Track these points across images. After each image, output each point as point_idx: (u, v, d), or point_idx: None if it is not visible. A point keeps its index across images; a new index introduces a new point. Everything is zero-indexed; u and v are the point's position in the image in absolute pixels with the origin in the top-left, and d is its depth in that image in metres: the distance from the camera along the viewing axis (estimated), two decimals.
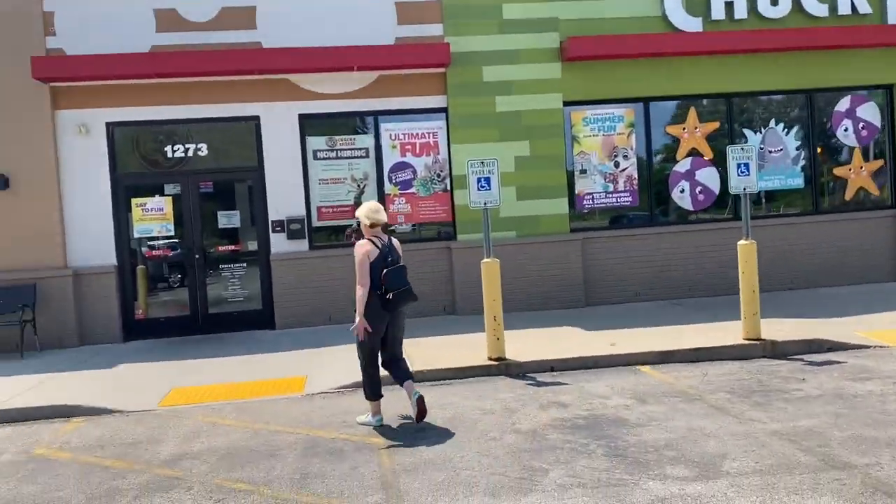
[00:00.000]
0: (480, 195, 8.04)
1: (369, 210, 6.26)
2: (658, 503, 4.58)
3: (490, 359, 8.02)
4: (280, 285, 11.10)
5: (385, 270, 6.09)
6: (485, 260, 8.06)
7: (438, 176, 11.56)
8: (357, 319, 6.06)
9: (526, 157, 11.44)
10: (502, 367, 7.93)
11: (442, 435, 6.04)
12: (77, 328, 10.54)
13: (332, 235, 11.45)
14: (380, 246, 6.19)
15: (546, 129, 11.49)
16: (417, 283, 11.80)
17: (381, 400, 6.41)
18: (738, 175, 8.45)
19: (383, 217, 6.31)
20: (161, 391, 7.83)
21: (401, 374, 6.37)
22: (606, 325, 9.79)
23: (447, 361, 8.10)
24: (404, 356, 6.58)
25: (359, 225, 6.46)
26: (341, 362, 8.49)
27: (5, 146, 10.48)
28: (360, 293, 6.03)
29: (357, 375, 6.68)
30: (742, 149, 8.49)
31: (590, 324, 9.98)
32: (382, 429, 6.30)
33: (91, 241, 10.76)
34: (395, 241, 6.39)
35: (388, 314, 6.17)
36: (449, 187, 11.53)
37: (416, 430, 6.19)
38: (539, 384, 7.51)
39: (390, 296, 6.08)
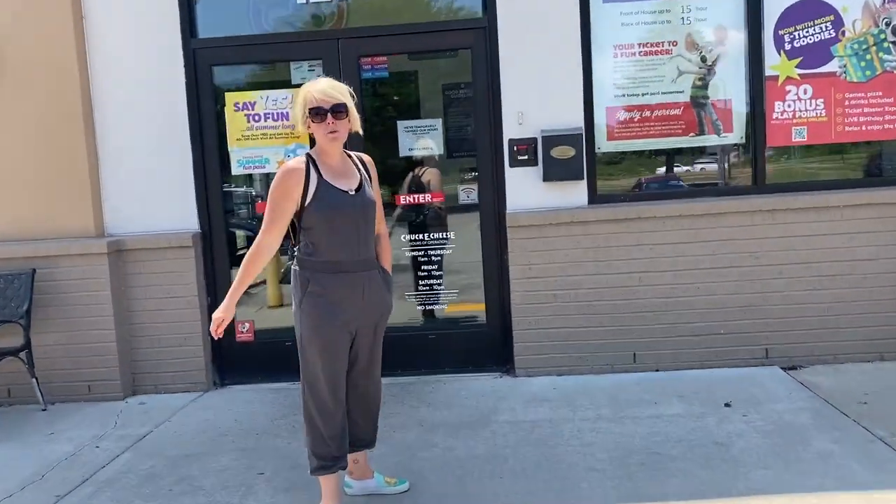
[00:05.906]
0: None
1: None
2: None
3: None
4: (524, 280, 5.08)
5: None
6: None
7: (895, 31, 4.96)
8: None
9: None
10: None
11: None
12: (119, 362, 5.13)
13: (632, 170, 5.27)
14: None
15: None
16: (854, 289, 5.03)
17: None
18: None
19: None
20: None
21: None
22: None
23: None
24: None
25: None
26: None
27: None
28: None
29: None
30: None
31: None
32: None
33: (145, 179, 5.24)
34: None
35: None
36: None
37: None
38: None
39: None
